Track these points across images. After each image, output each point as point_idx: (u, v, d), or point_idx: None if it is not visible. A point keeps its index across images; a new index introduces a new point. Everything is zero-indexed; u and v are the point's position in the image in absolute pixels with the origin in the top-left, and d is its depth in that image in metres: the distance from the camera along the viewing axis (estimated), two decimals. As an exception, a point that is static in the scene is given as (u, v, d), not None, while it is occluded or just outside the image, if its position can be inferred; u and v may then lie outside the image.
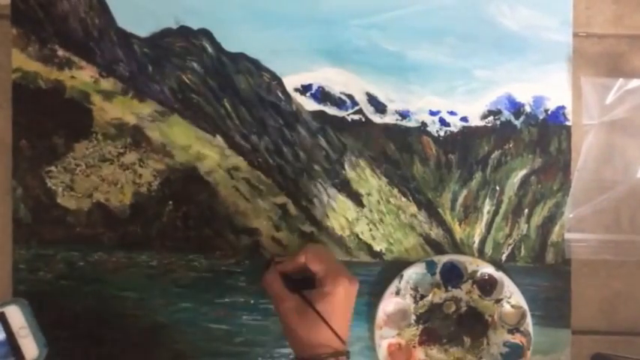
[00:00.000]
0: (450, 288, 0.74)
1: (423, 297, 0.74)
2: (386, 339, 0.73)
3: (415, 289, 0.74)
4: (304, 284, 0.64)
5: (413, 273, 0.74)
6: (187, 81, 0.74)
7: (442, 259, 0.74)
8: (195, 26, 0.74)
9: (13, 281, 0.73)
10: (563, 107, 0.74)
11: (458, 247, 0.75)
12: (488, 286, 0.74)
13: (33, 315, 0.70)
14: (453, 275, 0.74)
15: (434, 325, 0.74)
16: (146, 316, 0.73)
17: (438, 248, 0.75)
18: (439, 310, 0.74)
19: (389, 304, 0.74)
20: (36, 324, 0.69)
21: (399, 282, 0.73)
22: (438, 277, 0.74)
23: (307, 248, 0.65)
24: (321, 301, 0.61)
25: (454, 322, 0.74)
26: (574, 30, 0.74)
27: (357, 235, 0.75)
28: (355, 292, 0.64)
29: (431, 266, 0.74)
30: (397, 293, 0.73)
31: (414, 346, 0.74)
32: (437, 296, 0.74)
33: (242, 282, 0.74)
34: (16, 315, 0.68)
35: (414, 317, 0.74)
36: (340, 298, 0.62)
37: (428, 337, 0.74)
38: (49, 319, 0.72)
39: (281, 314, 0.63)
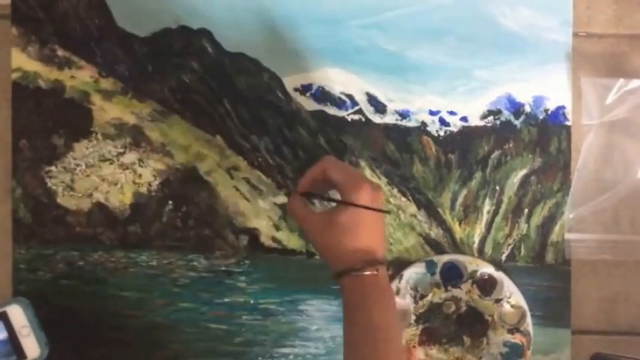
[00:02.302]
0: (449, 288, 0.74)
1: (422, 297, 0.74)
2: (386, 339, 0.73)
3: (415, 289, 0.74)
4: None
5: (413, 273, 0.74)
6: (187, 81, 0.74)
7: (442, 259, 0.74)
8: (195, 26, 0.74)
9: (13, 281, 0.73)
10: (563, 107, 0.74)
11: (458, 247, 0.75)
12: (488, 286, 0.74)
13: (35, 314, 0.70)
14: (452, 275, 0.74)
15: (434, 325, 0.74)
16: (146, 316, 0.73)
17: (437, 248, 0.75)
18: (439, 310, 0.74)
19: (389, 304, 0.74)
20: (37, 323, 0.70)
21: (399, 282, 0.73)
22: (437, 276, 0.74)
23: (324, 158, 0.62)
24: (345, 213, 0.58)
25: (454, 322, 0.74)
26: (574, 30, 0.74)
27: (357, 235, 0.75)
28: (380, 199, 0.60)
29: (431, 266, 0.74)
30: (397, 293, 0.73)
31: (414, 346, 0.74)
32: (437, 296, 0.74)
33: (242, 282, 0.74)
34: (17, 314, 0.69)
35: (413, 317, 0.74)
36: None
37: (428, 337, 0.74)
38: (49, 319, 0.72)
39: (309, 233, 0.61)
